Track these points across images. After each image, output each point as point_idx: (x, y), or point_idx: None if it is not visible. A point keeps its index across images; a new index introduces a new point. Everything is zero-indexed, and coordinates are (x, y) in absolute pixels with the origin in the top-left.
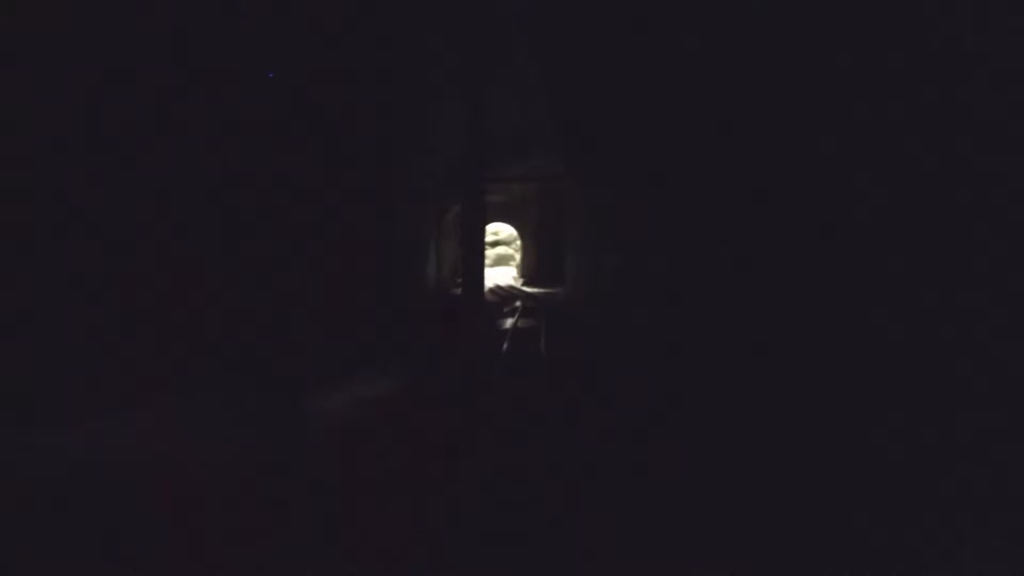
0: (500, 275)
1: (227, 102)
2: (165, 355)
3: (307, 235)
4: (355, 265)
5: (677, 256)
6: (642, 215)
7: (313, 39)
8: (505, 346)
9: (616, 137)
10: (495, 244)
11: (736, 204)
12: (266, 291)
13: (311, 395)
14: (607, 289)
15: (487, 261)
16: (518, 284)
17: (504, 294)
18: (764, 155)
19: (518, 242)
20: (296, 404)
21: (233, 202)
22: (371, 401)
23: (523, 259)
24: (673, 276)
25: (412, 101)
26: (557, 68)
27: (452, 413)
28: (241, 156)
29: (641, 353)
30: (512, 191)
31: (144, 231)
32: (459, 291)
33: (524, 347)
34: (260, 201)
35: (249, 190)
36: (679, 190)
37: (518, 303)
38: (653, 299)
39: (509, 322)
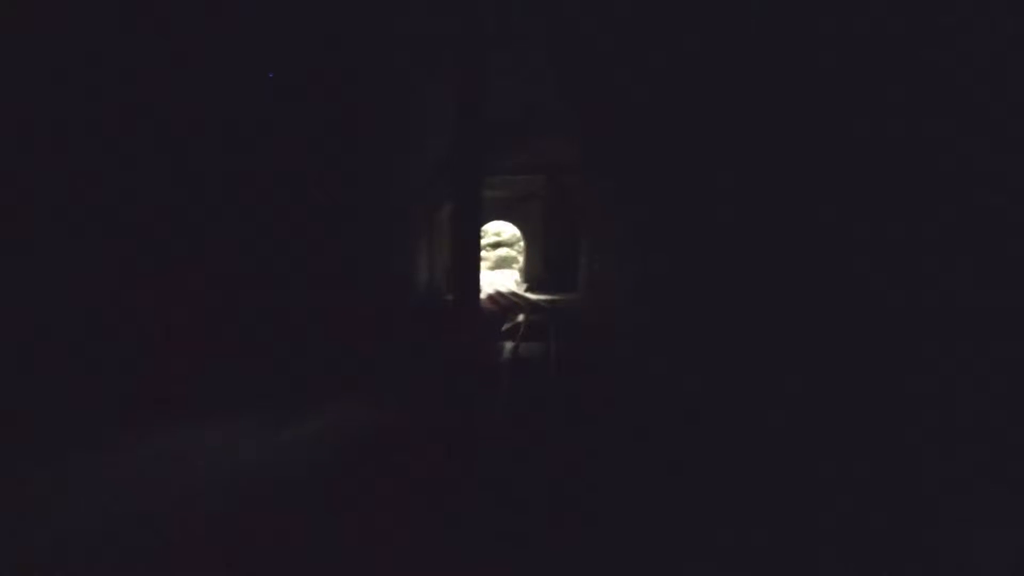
0: (501, 279)
1: (225, 102)
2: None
3: (306, 235)
4: (328, 268)
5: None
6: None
7: (305, 35)
8: (501, 396)
9: (634, 118)
10: (496, 246)
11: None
12: (266, 294)
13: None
14: (624, 297)
15: (487, 264)
16: (521, 290)
17: (505, 303)
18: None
19: (521, 243)
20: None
21: (233, 202)
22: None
23: (526, 262)
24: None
25: (400, 88)
26: (564, 37)
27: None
28: (240, 157)
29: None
30: (514, 185)
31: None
32: (452, 298)
33: (525, 395)
34: (260, 201)
35: (248, 190)
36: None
37: (520, 317)
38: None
39: (508, 346)
